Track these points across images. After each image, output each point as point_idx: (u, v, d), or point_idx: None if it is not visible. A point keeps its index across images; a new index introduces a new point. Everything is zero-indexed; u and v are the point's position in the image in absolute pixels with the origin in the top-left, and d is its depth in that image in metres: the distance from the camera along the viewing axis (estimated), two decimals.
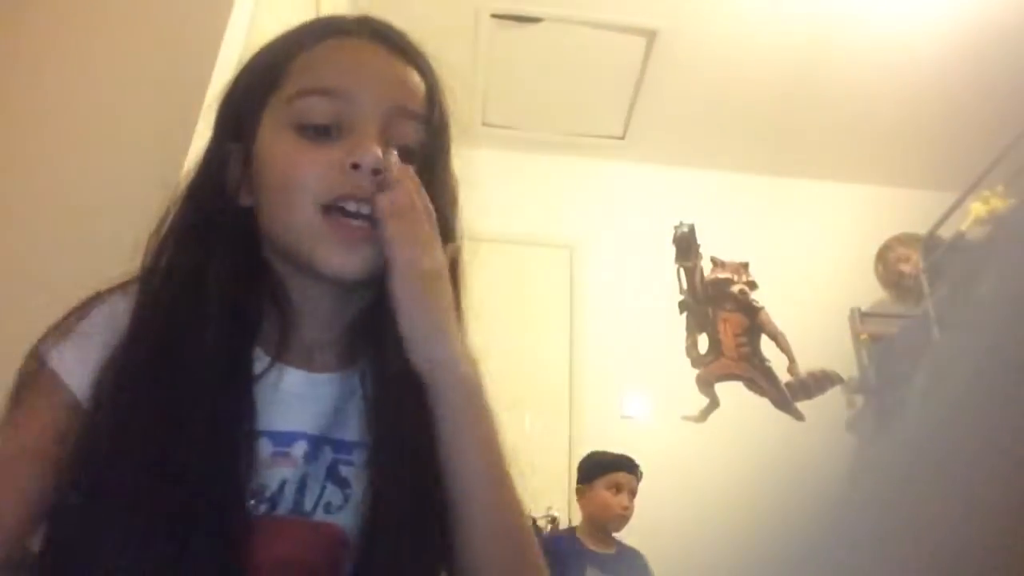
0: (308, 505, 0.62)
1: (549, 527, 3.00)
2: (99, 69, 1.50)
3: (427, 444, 0.61)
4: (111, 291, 0.65)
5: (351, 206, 0.61)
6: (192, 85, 1.44)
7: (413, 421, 0.62)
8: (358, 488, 0.63)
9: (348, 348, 0.68)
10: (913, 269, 3.21)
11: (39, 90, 1.46)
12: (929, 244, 3.20)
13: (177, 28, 1.55)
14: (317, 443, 0.64)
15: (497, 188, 3.64)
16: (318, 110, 0.63)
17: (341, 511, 0.63)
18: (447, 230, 0.70)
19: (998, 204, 2.95)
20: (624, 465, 2.36)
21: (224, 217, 0.64)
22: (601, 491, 2.32)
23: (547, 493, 3.12)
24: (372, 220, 0.62)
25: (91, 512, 0.55)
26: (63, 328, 0.62)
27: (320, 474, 0.63)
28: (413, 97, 0.67)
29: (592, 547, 2.30)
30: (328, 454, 0.64)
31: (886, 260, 3.43)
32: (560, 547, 2.31)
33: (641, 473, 2.38)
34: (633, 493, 2.33)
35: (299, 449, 0.63)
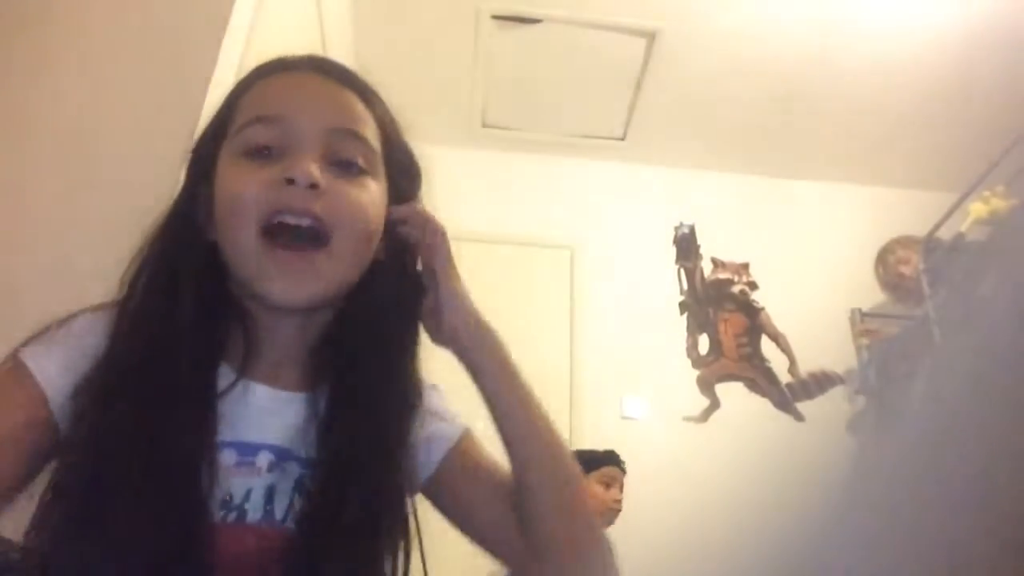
0: (279, 514, 0.65)
1: None
2: (99, 72, 1.50)
3: (371, 465, 0.65)
4: (88, 309, 0.68)
5: (289, 219, 0.64)
6: (193, 86, 1.44)
7: (359, 442, 0.66)
8: None
9: (312, 370, 0.71)
10: (913, 271, 3.20)
11: (40, 91, 1.46)
12: (929, 245, 3.20)
13: (178, 28, 1.55)
14: (283, 455, 0.66)
15: (497, 189, 3.65)
16: (259, 136, 0.66)
17: None
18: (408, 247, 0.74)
19: (999, 205, 2.95)
20: (614, 460, 2.44)
21: (192, 251, 0.68)
22: (593, 486, 2.37)
23: None
24: (314, 237, 0.64)
25: (66, 516, 0.57)
26: (42, 337, 0.64)
27: (288, 487, 0.66)
28: (355, 119, 0.70)
29: None
30: (296, 469, 0.67)
31: (886, 262, 3.43)
32: None
33: (625, 469, 2.45)
34: (622, 486, 2.40)
35: (264, 459, 0.66)
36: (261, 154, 0.66)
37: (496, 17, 3.09)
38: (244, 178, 0.65)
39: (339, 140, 0.68)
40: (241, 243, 0.64)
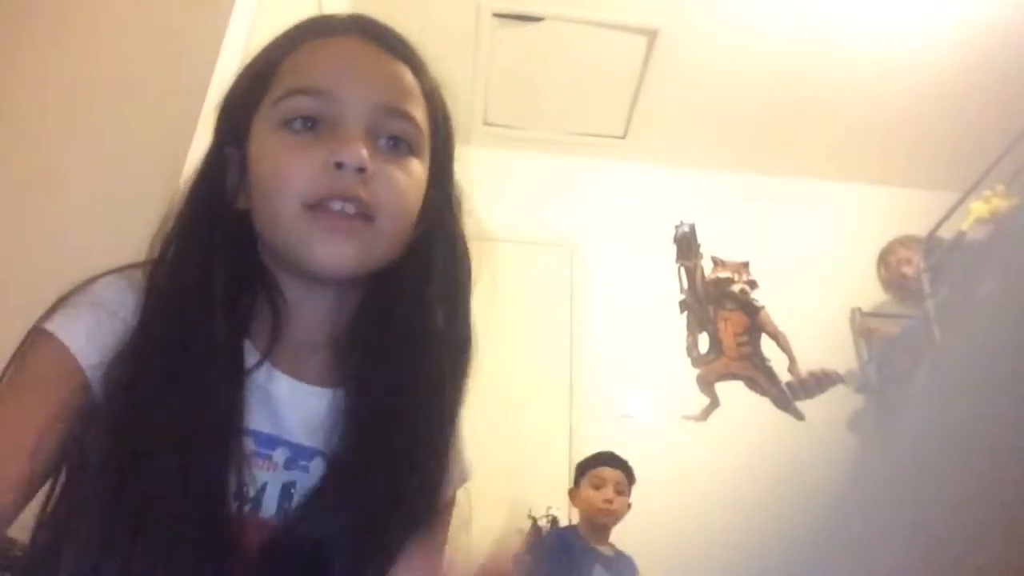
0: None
1: (549, 527, 3.01)
2: (100, 71, 1.50)
3: (387, 461, 0.63)
4: (109, 272, 0.65)
5: (336, 205, 0.61)
6: (193, 85, 1.44)
7: (376, 436, 0.63)
8: None
9: (333, 364, 0.68)
10: (916, 271, 3.20)
11: (39, 92, 1.46)
12: (930, 244, 3.20)
13: (178, 28, 1.55)
14: (305, 454, 0.64)
15: (498, 187, 3.64)
16: (303, 109, 0.63)
17: None
18: (443, 226, 0.71)
19: (999, 204, 2.95)
20: (604, 460, 2.40)
21: (223, 220, 0.65)
22: (585, 489, 2.38)
23: (547, 493, 3.12)
24: (361, 216, 0.62)
25: (90, 492, 0.55)
26: (63, 306, 0.62)
27: (311, 484, 0.63)
28: (401, 94, 0.66)
29: (593, 545, 2.33)
30: (321, 468, 0.64)
31: (888, 263, 3.43)
32: (568, 540, 2.34)
33: (631, 470, 2.40)
34: (619, 487, 2.35)
35: (280, 455, 0.64)
36: (305, 127, 0.63)
37: (497, 15, 3.09)
38: (288, 157, 0.62)
39: (388, 118, 0.65)
40: (283, 216, 0.62)
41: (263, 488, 0.62)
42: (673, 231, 3.70)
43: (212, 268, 0.62)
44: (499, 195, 3.54)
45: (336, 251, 0.62)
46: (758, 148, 3.74)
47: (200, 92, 1.44)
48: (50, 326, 0.60)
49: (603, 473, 2.37)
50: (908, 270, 3.30)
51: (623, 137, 3.74)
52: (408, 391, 0.65)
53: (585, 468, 2.43)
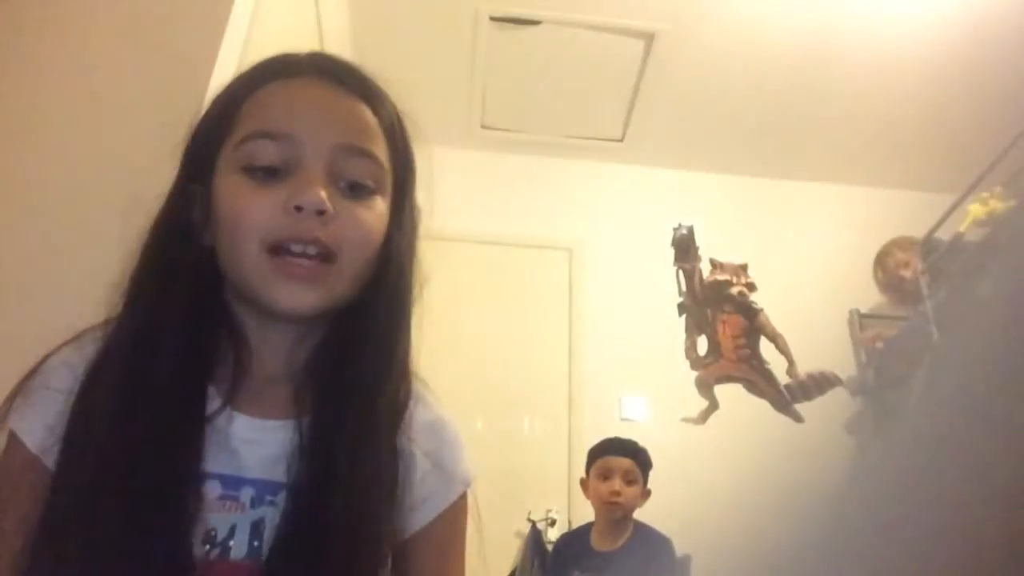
0: (266, 551, 0.63)
1: (549, 529, 3.01)
2: (97, 74, 1.50)
3: (356, 478, 0.63)
4: (60, 347, 0.67)
5: (296, 247, 0.62)
6: (190, 91, 1.44)
7: (338, 468, 0.63)
8: None
9: (295, 395, 0.69)
10: (914, 274, 3.20)
11: (39, 92, 1.46)
12: (927, 245, 3.20)
13: (175, 35, 1.55)
14: (269, 489, 0.65)
15: (496, 190, 3.65)
16: (263, 153, 0.64)
17: None
18: (406, 260, 0.71)
19: (997, 205, 2.95)
20: (613, 448, 2.26)
21: (188, 257, 0.66)
22: (593, 479, 2.26)
23: (547, 495, 3.12)
24: (321, 257, 0.63)
25: (49, 549, 0.57)
26: (22, 389, 0.64)
27: (277, 521, 0.63)
28: (361, 134, 0.67)
29: (596, 543, 2.24)
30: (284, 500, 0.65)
31: (886, 265, 3.42)
32: (572, 543, 2.27)
33: (642, 456, 2.27)
34: (628, 476, 2.21)
35: (246, 495, 0.64)
36: (265, 171, 0.64)
37: (495, 19, 3.09)
38: (248, 200, 0.63)
39: (347, 158, 0.65)
40: (244, 258, 0.63)
41: (232, 530, 0.62)
42: (671, 234, 3.70)
43: (169, 309, 0.63)
44: (497, 199, 3.56)
45: (296, 297, 0.63)
46: (756, 151, 3.75)
47: (199, 95, 1.44)
48: (11, 422, 0.63)
49: (609, 462, 2.23)
50: (906, 273, 3.30)
51: (621, 140, 3.75)
52: (364, 424, 0.66)
53: (593, 456, 2.29)
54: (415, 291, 0.72)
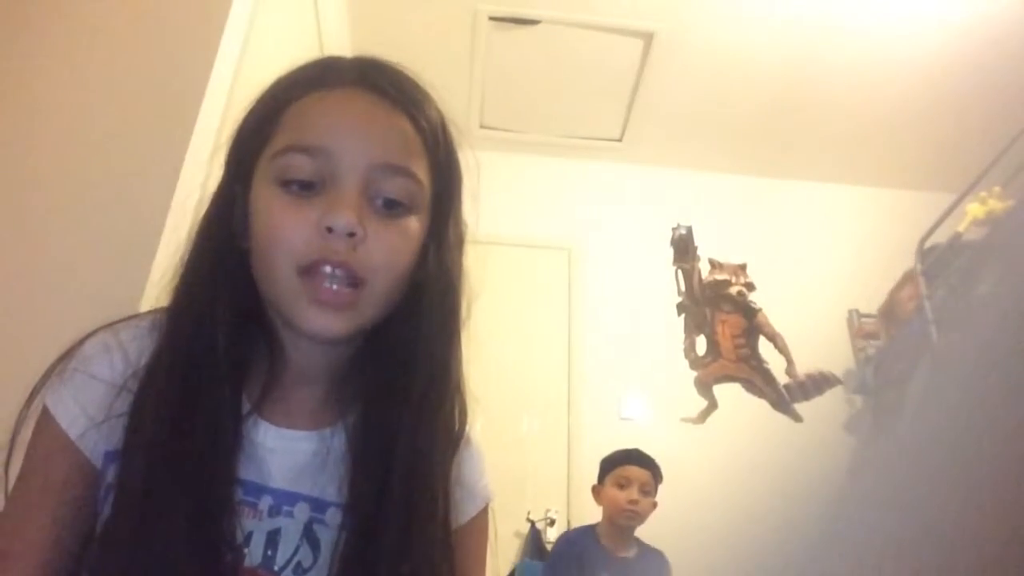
0: (279, 562, 0.62)
1: (548, 529, 3.01)
2: (96, 75, 1.50)
3: (411, 497, 0.63)
4: (96, 332, 0.67)
5: (326, 269, 0.61)
6: (188, 92, 1.44)
7: (394, 476, 0.63)
8: (326, 551, 0.63)
9: (324, 405, 0.69)
10: (915, 305, 3.16)
11: (37, 93, 1.46)
12: (926, 246, 3.20)
13: (173, 34, 1.55)
14: (289, 499, 0.65)
15: (495, 190, 3.63)
16: (300, 167, 0.63)
17: (308, 573, 0.63)
18: (452, 275, 0.70)
19: (995, 205, 2.96)
20: (632, 459, 2.31)
21: (231, 259, 0.66)
22: (609, 488, 2.29)
23: (546, 495, 3.12)
24: (350, 283, 0.62)
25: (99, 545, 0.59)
26: (58, 368, 0.64)
27: (296, 532, 0.63)
28: (399, 151, 0.65)
29: (611, 549, 2.26)
30: (306, 512, 0.64)
31: (898, 298, 3.38)
32: (579, 543, 2.28)
33: (658, 469, 2.32)
34: (645, 487, 2.27)
35: (265, 503, 0.64)
36: (301, 185, 0.63)
37: (493, 19, 3.09)
38: (282, 216, 0.62)
39: (384, 176, 0.64)
40: (277, 275, 0.62)
41: (249, 536, 0.62)
42: (670, 233, 3.70)
43: (216, 313, 0.64)
44: (496, 199, 3.54)
45: (324, 323, 0.62)
46: (755, 150, 3.75)
47: (196, 97, 1.44)
48: (48, 402, 0.63)
49: (629, 472, 2.28)
50: (911, 306, 3.27)
51: (620, 140, 3.75)
52: (407, 430, 0.65)
53: (611, 465, 2.33)
54: (464, 308, 0.71)
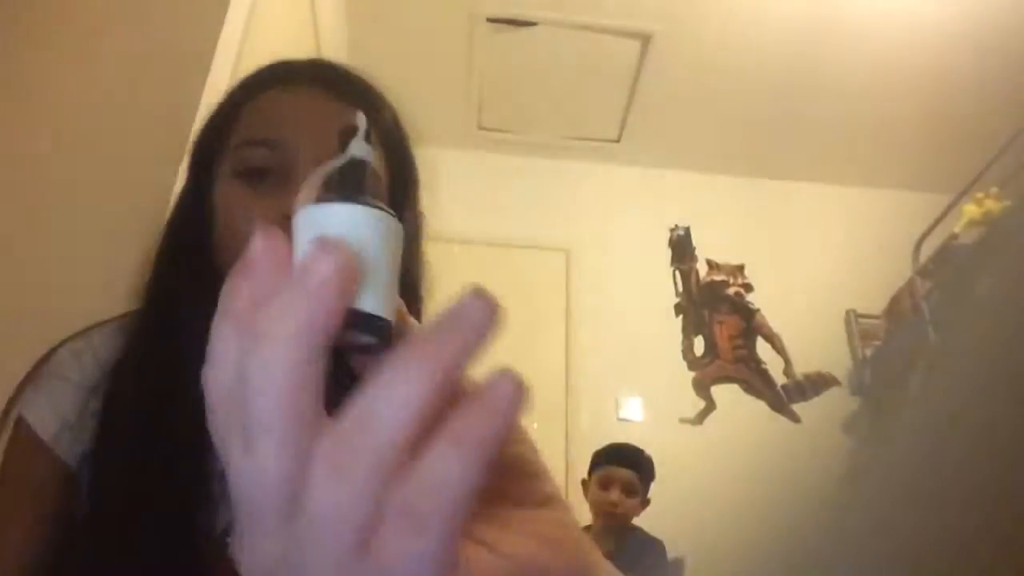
0: None
1: None
2: (95, 75, 1.50)
3: None
4: (66, 340, 0.68)
5: None
6: (185, 92, 1.44)
7: None
8: None
9: None
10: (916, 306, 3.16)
11: (36, 93, 1.46)
12: (923, 246, 3.21)
13: (172, 34, 1.55)
14: None
15: (493, 191, 3.65)
16: (257, 159, 0.65)
17: None
18: (410, 266, 0.71)
19: (992, 206, 2.96)
20: (614, 458, 2.24)
21: (196, 256, 0.67)
22: (594, 486, 2.23)
23: None
24: None
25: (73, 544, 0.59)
26: (31, 377, 0.66)
27: None
28: None
29: (597, 544, 2.26)
30: None
31: (897, 298, 3.38)
32: None
33: (645, 466, 2.24)
34: (628, 487, 2.18)
35: None
36: (259, 177, 0.65)
37: (491, 20, 3.10)
38: (240, 208, 0.64)
39: None
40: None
41: (229, 528, 0.63)
42: (668, 234, 3.71)
43: (181, 310, 0.64)
44: (494, 199, 3.56)
45: None
46: (752, 151, 3.75)
47: (195, 97, 1.44)
48: (22, 409, 0.64)
49: (611, 473, 2.19)
50: (908, 305, 3.27)
51: (618, 141, 3.75)
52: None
53: (596, 462, 2.27)
54: (423, 298, 0.72)
